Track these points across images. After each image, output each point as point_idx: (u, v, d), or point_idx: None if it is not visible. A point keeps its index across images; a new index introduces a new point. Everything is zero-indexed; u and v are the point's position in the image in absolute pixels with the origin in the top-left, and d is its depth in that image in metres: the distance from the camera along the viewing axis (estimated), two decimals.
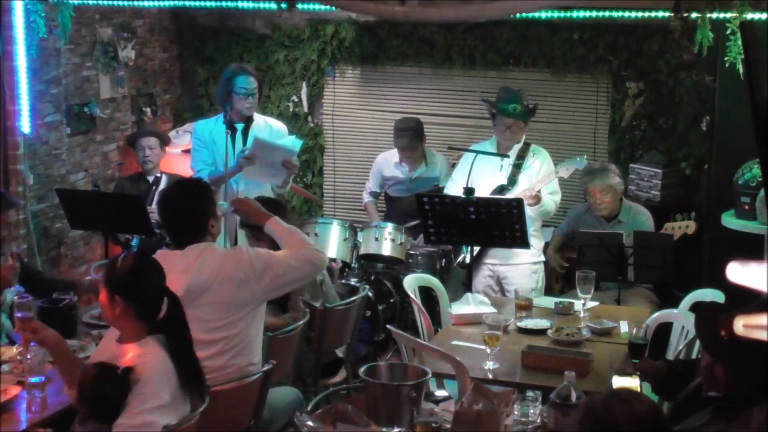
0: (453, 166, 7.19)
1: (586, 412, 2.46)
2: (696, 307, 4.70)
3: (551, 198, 5.73)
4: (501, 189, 5.71)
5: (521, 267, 5.71)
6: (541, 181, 5.64)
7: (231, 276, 3.80)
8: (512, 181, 5.72)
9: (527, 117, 5.72)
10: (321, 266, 4.06)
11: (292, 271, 3.91)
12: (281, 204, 5.11)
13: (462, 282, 5.78)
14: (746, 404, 2.82)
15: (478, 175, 5.71)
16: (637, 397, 2.54)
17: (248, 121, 5.86)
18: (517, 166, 5.74)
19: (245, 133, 5.83)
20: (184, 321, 3.34)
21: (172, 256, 3.75)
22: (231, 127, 5.74)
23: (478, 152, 5.74)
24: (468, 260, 5.55)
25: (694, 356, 4.42)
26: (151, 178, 6.66)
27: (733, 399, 2.88)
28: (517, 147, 5.78)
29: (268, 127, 5.92)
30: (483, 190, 5.64)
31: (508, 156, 5.76)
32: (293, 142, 5.75)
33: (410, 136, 6.55)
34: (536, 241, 5.74)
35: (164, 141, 6.85)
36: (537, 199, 5.55)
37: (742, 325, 2.54)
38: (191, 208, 3.89)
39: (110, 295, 3.27)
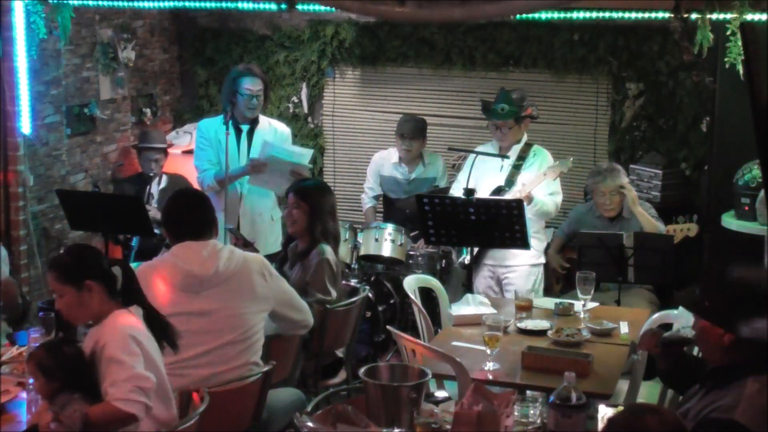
0: (453, 167, 7.21)
1: (616, 428, 2.47)
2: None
3: (551, 199, 5.70)
4: (498, 190, 5.69)
5: (519, 269, 5.70)
6: (531, 182, 5.60)
7: (256, 270, 3.99)
8: (509, 182, 5.70)
9: (513, 116, 5.67)
10: (304, 329, 4.37)
11: (294, 304, 4.22)
12: (327, 186, 5.33)
13: (462, 283, 5.78)
14: (742, 373, 2.84)
15: (480, 175, 5.72)
16: (660, 408, 2.57)
17: (254, 122, 5.87)
18: (517, 167, 5.72)
19: (250, 135, 5.85)
20: (138, 285, 3.48)
21: (195, 244, 3.91)
22: (236, 128, 5.76)
23: (478, 153, 5.75)
24: (468, 261, 5.55)
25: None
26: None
27: (730, 368, 2.91)
28: (517, 147, 5.76)
29: (272, 129, 5.93)
30: (484, 191, 5.64)
31: (507, 157, 5.75)
32: (304, 155, 5.76)
33: (413, 127, 6.56)
34: (537, 243, 5.71)
35: (167, 150, 6.91)
36: (528, 200, 5.51)
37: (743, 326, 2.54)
38: (206, 210, 4.09)
39: (78, 286, 3.32)
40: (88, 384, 3.20)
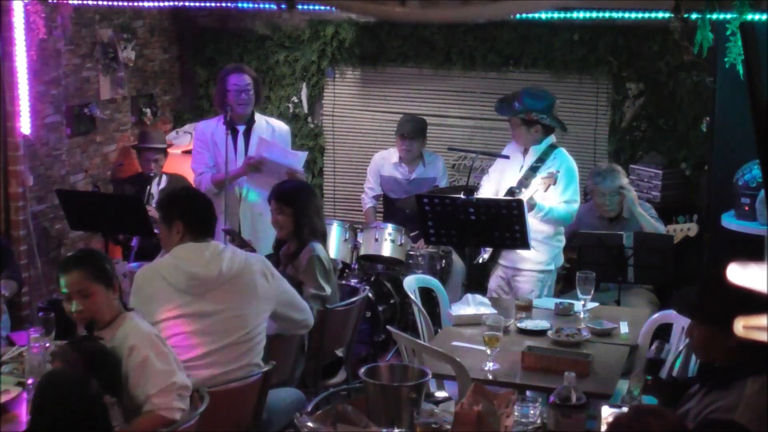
0: (453, 167, 7.22)
1: (619, 429, 2.47)
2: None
3: (566, 206, 5.58)
4: (511, 192, 5.64)
5: (526, 273, 5.64)
6: (530, 188, 5.57)
7: (258, 271, 3.99)
8: (522, 184, 5.64)
9: (507, 114, 5.66)
10: (305, 329, 4.39)
11: (295, 304, 4.23)
12: (307, 185, 5.25)
13: (462, 283, 5.78)
14: (742, 374, 2.84)
15: (501, 176, 5.74)
16: (662, 409, 2.56)
17: (250, 122, 5.86)
18: (534, 169, 5.62)
19: (247, 135, 5.84)
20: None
21: (197, 246, 3.91)
22: (232, 129, 5.75)
23: (477, 153, 5.78)
24: (479, 261, 5.57)
25: (694, 359, 4.42)
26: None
27: (730, 369, 2.90)
28: (538, 149, 5.65)
29: (270, 128, 5.92)
30: (502, 192, 5.65)
31: (508, 157, 5.75)
32: (298, 159, 5.74)
33: (413, 127, 6.56)
34: (547, 249, 5.62)
35: (167, 150, 6.91)
36: (528, 205, 5.35)
37: (742, 326, 2.54)
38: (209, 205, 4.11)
39: (108, 284, 3.43)
40: (111, 382, 3.23)
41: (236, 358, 3.85)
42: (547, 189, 5.47)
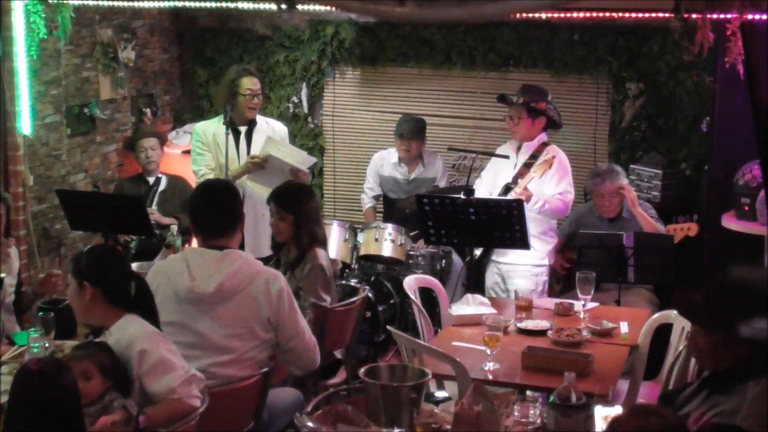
0: (453, 167, 7.22)
1: (619, 428, 2.46)
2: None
3: (560, 198, 5.66)
4: (507, 189, 5.68)
5: (521, 267, 5.70)
6: (524, 180, 5.60)
7: (257, 297, 3.83)
8: (516, 180, 5.68)
9: (524, 106, 5.68)
10: (301, 372, 4.14)
11: (297, 347, 3.96)
12: (308, 189, 5.24)
13: (462, 283, 5.78)
14: (743, 378, 2.83)
15: (496, 173, 5.78)
16: (663, 409, 2.56)
17: (252, 123, 5.85)
18: (527, 165, 5.69)
19: (249, 136, 5.83)
20: (153, 303, 3.51)
21: (209, 254, 3.83)
22: (234, 130, 5.73)
23: (477, 153, 5.79)
24: (471, 257, 5.57)
25: (693, 361, 4.41)
26: (151, 179, 6.67)
27: (730, 374, 2.89)
28: (531, 145, 5.73)
29: (270, 129, 5.91)
30: (497, 190, 5.67)
31: (507, 157, 5.76)
32: (303, 161, 5.70)
33: (412, 127, 6.56)
34: (541, 245, 5.69)
35: (163, 140, 6.89)
36: (527, 198, 5.44)
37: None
38: (233, 205, 3.98)
39: (78, 284, 3.42)
40: (126, 381, 3.27)
41: (232, 375, 3.78)
42: (543, 175, 5.52)
